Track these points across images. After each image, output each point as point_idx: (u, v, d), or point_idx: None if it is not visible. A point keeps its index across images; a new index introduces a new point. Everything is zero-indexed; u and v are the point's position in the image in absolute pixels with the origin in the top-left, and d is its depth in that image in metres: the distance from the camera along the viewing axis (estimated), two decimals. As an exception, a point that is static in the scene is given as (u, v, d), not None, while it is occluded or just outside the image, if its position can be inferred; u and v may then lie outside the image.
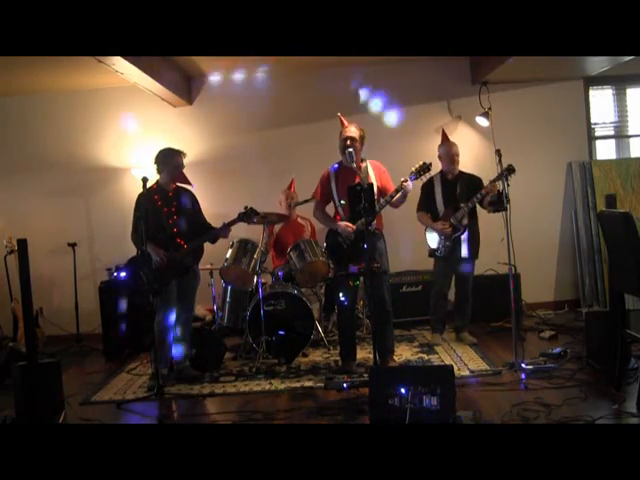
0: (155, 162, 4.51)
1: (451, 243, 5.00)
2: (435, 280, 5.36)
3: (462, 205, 4.95)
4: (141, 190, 4.24)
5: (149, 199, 4.38)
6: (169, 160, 4.48)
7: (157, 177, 4.56)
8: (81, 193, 6.41)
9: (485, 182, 4.94)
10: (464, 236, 5.01)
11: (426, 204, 5.12)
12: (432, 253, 5.16)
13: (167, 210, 4.45)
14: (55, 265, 6.27)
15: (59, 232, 6.28)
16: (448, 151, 5.10)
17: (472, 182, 5.08)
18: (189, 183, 4.62)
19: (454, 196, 5.03)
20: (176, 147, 4.59)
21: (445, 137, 5.30)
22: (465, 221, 4.99)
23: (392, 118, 6.22)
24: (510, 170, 4.57)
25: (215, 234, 4.55)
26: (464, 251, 5.04)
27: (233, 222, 4.56)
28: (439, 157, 5.15)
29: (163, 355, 4.42)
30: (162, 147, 4.59)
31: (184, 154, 4.55)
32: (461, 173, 5.14)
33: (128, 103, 6.29)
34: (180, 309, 4.53)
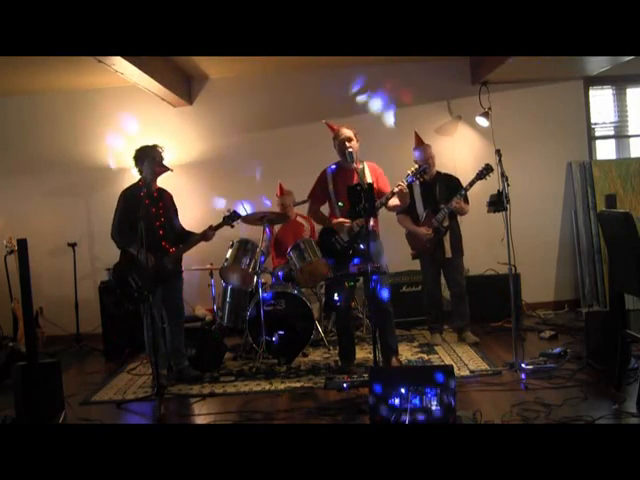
0: (134, 161, 4.42)
1: (432, 245, 5.02)
2: (424, 282, 5.39)
3: (442, 206, 4.98)
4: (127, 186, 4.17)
5: (135, 198, 4.25)
6: (147, 153, 4.37)
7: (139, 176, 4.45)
8: (81, 193, 6.42)
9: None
10: (446, 236, 5.06)
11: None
12: (416, 255, 5.18)
13: (155, 211, 4.37)
14: (55, 265, 6.27)
15: (59, 232, 6.29)
16: (423, 154, 5.09)
17: (450, 182, 5.12)
18: (168, 169, 4.54)
19: (434, 197, 5.06)
20: (175, 147, 4.57)
21: (419, 140, 5.25)
22: (446, 223, 5.02)
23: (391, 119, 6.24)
24: (488, 169, 4.79)
25: (201, 238, 4.48)
26: (447, 251, 5.06)
27: (219, 226, 4.52)
28: (415, 161, 5.11)
29: (160, 357, 4.39)
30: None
31: (160, 147, 4.45)
32: (438, 174, 5.15)
33: (128, 103, 6.30)
34: (169, 311, 4.49)
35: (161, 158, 4.43)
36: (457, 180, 5.15)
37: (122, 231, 4.25)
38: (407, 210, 5.08)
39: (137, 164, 4.43)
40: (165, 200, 4.51)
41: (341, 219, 4.33)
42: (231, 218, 4.54)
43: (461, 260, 5.26)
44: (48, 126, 6.37)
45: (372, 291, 3.79)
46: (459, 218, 5.23)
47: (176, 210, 4.63)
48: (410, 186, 5.04)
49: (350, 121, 4.75)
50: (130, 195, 4.31)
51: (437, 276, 5.25)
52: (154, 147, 4.43)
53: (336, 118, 4.69)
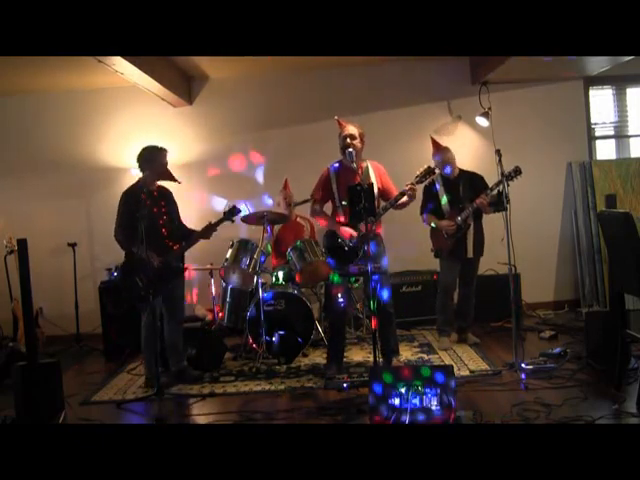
0: (138, 161, 4.39)
1: (454, 242, 4.99)
2: (441, 281, 5.27)
3: (466, 205, 4.92)
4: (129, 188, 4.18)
5: (137, 198, 4.25)
6: (154, 159, 4.37)
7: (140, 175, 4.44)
8: (81, 193, 6.42)
9: (487, 180, 4.97)
10: (469, 235, 5.00)
11: (430, 206, 5.07)
12: (437, 253, 5.14)
13: (157, 210, 4.37)
14: (55, 265, 6.27)
15: (59, 232, 6.28)
16: (442, 160, 5.04)
17: (474, 181, 5.07)
18: (175, 180, 4.55)
19: (458, 196, 5.01)
20: (175, 147, 4.55)
21: (436, 145, 5.17)
22: (470, 221, 4.99)
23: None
24: (517, 172, 4.60)
25: (201, 235, 4.47)
26: (469, 251, 5.03)
27: (219, 222, 4.49)
28: (436, 166, 5.09)
29: (155, 355, 4.36)
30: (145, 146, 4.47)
31: (166, 151, 4.45)
32: (462, 172, 5.12)
33: (128, 103, 6.30)
34: (170, 309, 4.47)
35: (166, 163, 4.43)
36: (481, 179, 5.08)
37: (125, 232, 4.24)
38: (431, 209, 5.06)
39: (140, 164, 4.39)
40: (166, 198, 4.51)
41: (347, 229, 4.28)
42: (231, 213, 4.52)
43: (479, 262, 5.18)
44: (49, 126, 6.37)
45: (372, 291, 3.78)
46: (484, 218, 5.12)
47: (177, 207, 4.62)
48: (433, 185, 5.05)
49: (349, 121, 4.74)
50: (131, 196, 4.30)
51: (454, 276, 5.14)
52: (162, 152, 4.42)
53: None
